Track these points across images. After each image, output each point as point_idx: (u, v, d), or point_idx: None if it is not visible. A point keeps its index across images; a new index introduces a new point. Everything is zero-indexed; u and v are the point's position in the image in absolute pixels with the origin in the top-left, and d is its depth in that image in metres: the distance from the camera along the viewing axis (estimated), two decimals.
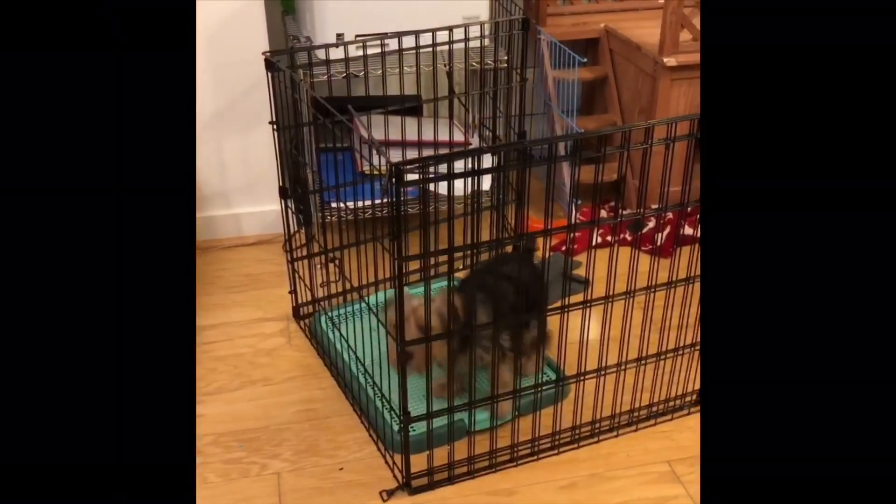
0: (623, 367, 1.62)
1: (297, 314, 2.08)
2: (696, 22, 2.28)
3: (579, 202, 2.43)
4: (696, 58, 2.29)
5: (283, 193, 1.97)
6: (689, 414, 1.77)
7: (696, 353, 1.69)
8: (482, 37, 2.10)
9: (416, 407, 1.58)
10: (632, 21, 2.63)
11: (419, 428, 1.57)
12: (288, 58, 1.92)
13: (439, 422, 1.54)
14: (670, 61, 2.28)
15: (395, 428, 1.62)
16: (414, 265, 2.09)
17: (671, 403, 1.75)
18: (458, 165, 1.32)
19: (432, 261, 1.85)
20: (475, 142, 2.31)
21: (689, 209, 1.55)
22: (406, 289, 1.43)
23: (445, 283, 1.47)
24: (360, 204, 2.11)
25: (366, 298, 1.69)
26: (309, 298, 2.05)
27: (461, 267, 2.04)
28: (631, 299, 1.54)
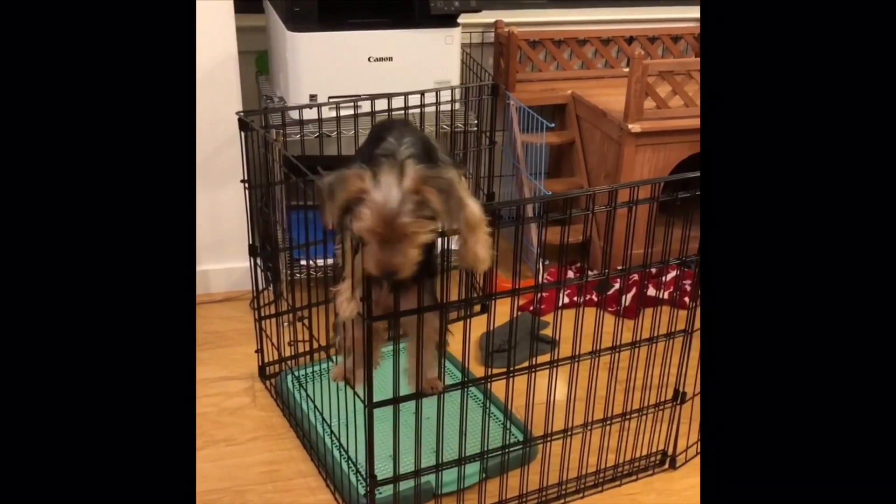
0: (589, 428, 1.63)
1: (262, 373, 2.06)
2: (660, 90, 2.36)
3: (546, 263, 2.46)
4: (659, 125, 2.37)
5: (253, 251, 1.97)
6: (653, 474, 1.77)
7: (662, 413, 1.71)
8: (453, 101, 2.15)
9: (383, 468, 1.56)
10: (598, 88, 2.72)
11: (385, 491, 1.55)
12: (261, 117, 1.95)
13: (406, 484, 1.52)
14: (635, 128, 2.35)
15: (361, 491, 1.59)
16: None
17: (637, 464, 1.75)
18: None
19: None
20: None
21: (652, 270, 1.58)
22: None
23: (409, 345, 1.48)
24: (329, 262, 2.12)
25: (334, 358, 1.68)
26: (276, 357, 2.03)
27: None
28: (596, 359, 1.55)
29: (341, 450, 1.68)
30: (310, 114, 1.99)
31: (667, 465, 1.78)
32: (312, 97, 2.15)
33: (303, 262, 2.17)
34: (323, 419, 1.76)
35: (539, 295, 1.55)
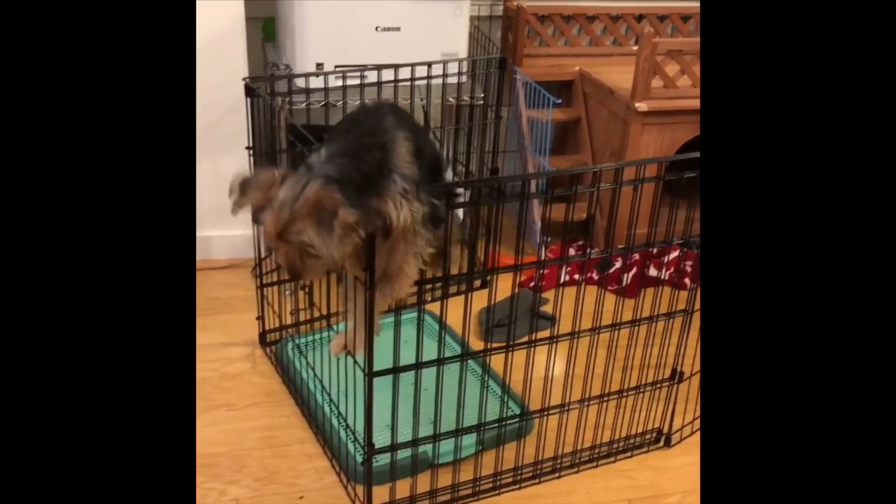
0: (586, 404, 1.64)
1: (263, 340, 2.07)
2: (669, 69, 2.35)
3: (549, 240, 2.46)
4: (667, 104, 2.36)
5: (256, 218, 1.97)
6: (648, 451, 1.79)
7: (659, 392, 1.72)
8: (459, 73, 2.14)
9: (381, 437, 1.58)
10: (606, 66, 2.70)
11: (382, 459, 1.57)
12: (267, 84, 1.94)
13: (403, 454, 1.54)
14: (642, 106, 2.34)
15: (359, 459, 1.61)
16: None
17: (632, 441, 1.77)
18: None
19: None
20: (448, 176, 2.34)
21: (654, 250, 1.58)
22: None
23: (415, 314, 1.48)
24: None
25: (334, 326, 1.69)
26: (277, 325, 2.04)
27: (430, 299, 2.05)
28: (596, 337, 1.56)
29: (340, 418, 1.70)
30: (316, 82, 1.98)
31: (662, 443, 1.80)
32: (319, 66, 2.13)
33: None
34: (322, 387, 1.78)
35: (540, 271, 1.55)
